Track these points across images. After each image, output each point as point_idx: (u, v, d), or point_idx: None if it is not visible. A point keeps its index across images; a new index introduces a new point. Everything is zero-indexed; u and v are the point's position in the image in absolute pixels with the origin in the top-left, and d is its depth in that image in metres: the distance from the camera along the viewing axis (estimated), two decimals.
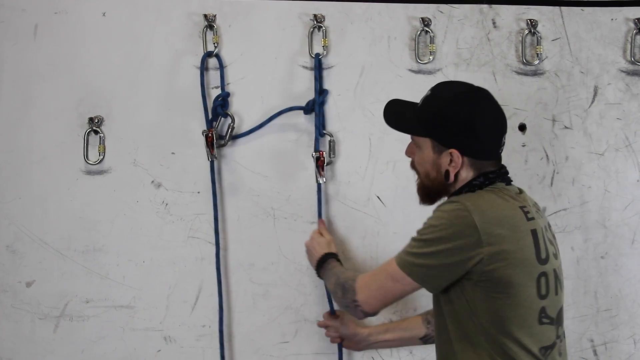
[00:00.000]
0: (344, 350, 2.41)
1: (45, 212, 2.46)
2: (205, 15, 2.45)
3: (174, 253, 2.46)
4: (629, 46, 2.47)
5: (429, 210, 1.94)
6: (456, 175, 1.91)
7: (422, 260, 1.85)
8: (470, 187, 1.90)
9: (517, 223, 1.83)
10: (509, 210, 1.84)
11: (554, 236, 1.98)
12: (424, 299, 2.41)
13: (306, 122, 2.46)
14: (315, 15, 2.46)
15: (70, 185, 2.46)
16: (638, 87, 2.47)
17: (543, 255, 1.84)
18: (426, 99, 1.96)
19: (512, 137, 2.45)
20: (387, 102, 2.07)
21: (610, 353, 2.44)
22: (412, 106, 1.99)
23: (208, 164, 2.43)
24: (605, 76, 2.48)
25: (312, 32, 2.46)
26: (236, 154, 2.48)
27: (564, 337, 1.94)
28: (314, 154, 2.42)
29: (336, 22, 2.48)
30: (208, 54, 2.46)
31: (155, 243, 2.46)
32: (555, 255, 1.91)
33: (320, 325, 2.40)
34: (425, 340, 2.29)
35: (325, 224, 2.42)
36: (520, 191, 1.96)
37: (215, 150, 2.40)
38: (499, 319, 1.81)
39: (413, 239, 1.90)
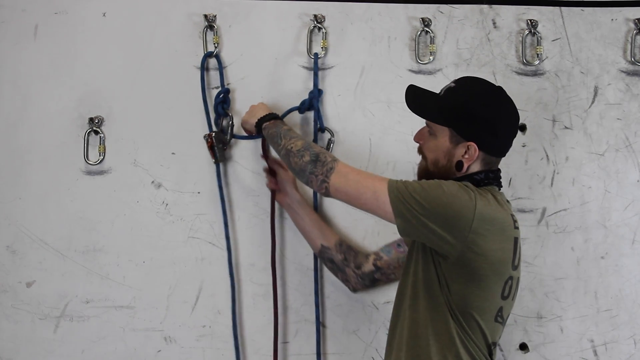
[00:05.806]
0: (342, 349, 2.41)
1: (45, 212, 2.46)
2: (205, 16, 2.45)
3: (174, 253, 2.46)
4: (629, 46, 2.47)
5: None
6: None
7: (412, 205, 1.85)
8: (472, 180, 1.96)
9: (505, 227, 1.92)
10: (502, 213, 1.93)
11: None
12: None
13: (307, 123, 2.46)
14: (315, 16, 2.45)
15: (70, 185, 2.47)
16: (638, 88, 2.47)
17: (516, 262, 1.95)
18: (449, 90, 1.99)
19: None
20: (408, 86, 2.09)
21: (611, 353, 2.44)
22: (433, 95, 2.03)
23: (208, 164, 2.44)
24: (605, 76, 2.47)
25: (312, 33, 2.46)
26: (236, 154, 2.47)
27: None
28: None
29: (336, 23, 2.48)
30: (208, 55, 2.46)
31: (156, 243, 2.46)
32: (520, 267, 2.00)
33: (270, 165, 2.39)
34: (320, 253, 2.34)
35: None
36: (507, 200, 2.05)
37: (217, 154, 2.40)
38: (465, 302, 1.88)
39: (417, 182, 1.90)
